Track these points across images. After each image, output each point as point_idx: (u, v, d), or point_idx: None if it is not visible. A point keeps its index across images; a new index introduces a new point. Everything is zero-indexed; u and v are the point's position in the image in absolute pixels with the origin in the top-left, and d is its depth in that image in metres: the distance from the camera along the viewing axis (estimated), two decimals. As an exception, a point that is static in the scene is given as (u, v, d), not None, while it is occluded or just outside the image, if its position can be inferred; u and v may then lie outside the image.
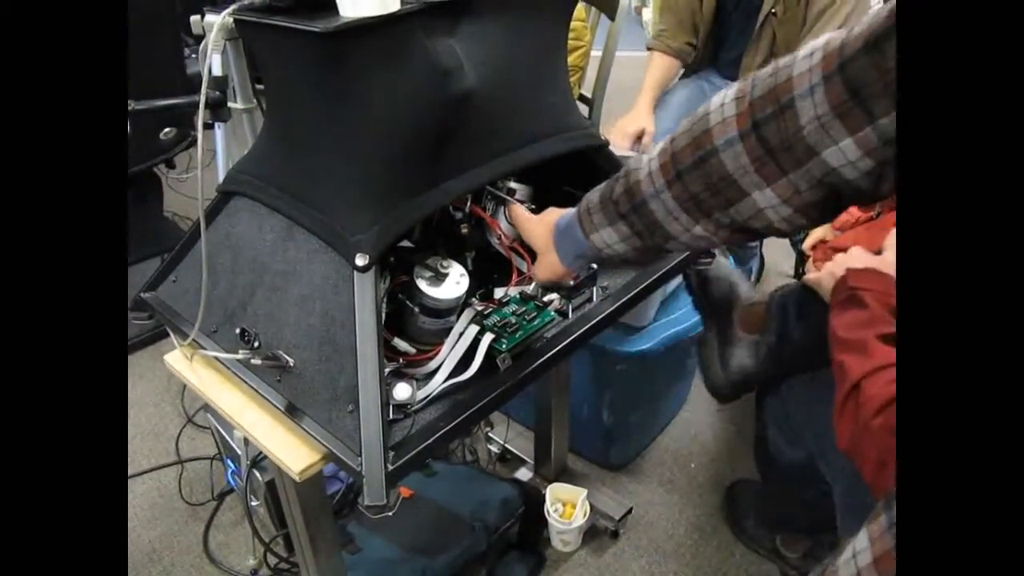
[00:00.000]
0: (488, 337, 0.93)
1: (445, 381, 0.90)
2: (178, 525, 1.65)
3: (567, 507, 1.54)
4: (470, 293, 1.00)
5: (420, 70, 0.79)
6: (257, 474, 1.44)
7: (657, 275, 1.08)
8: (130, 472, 1.77)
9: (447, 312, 0.95)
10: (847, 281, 0.93)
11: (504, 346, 0.93)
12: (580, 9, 2.23)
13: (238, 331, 0.94)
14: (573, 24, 2.22)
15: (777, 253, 2.37)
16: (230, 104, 1.28)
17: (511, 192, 1.10)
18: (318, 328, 0.87)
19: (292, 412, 0.88)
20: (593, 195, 0.81)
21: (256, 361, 0.88)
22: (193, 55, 1.84)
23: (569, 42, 2.22)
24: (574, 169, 1.07)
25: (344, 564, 1.18)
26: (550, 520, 1.52)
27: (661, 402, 1.74)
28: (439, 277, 0.95)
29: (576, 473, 1.70)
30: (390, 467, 0.78)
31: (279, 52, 0.84)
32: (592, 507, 1.56)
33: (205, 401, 0.98)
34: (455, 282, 0.95)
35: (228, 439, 1.56)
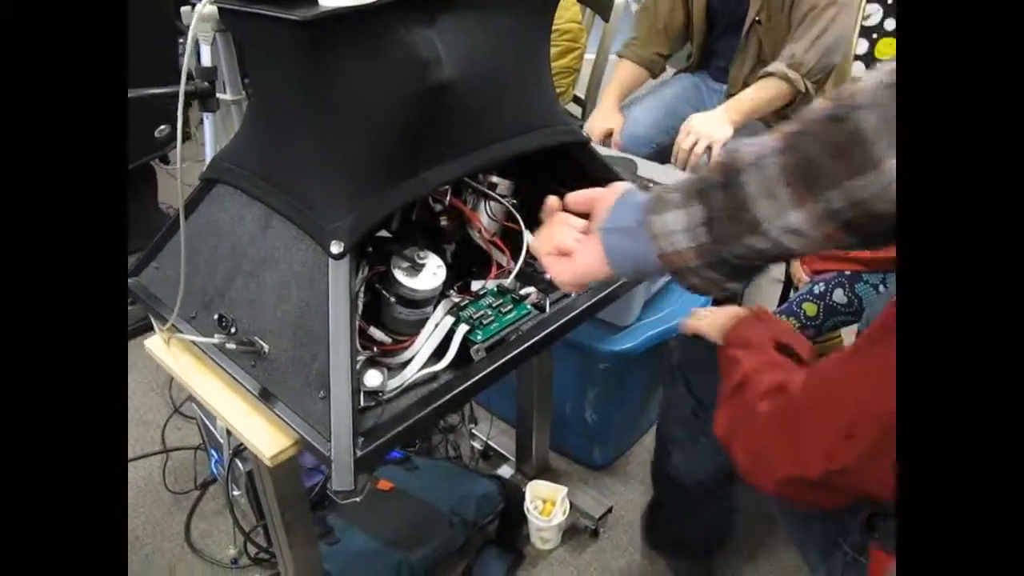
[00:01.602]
0: (463, 328, 0.94)
1: (419, 371, 0.91)
2: (161, 513, 1.66)
3: (547, 504, 1.55)
4: (448, 285, 1.01)
5: (398, 60, 0.80)
6: (239, 464, 1.45)
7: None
8: (115, 460, 1.78)
9: (423, 303, 0.96)
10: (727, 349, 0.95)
11: (479, 337, 0.94)
12: (576, 11, 2.24)
13: (216, 317, 0.94)
14: (569, 26, 2.24)
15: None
16: (219, 95, 1.29)
17: (492, 186, 1.11)
18: (293, 315, 0.87)
19: (266, 397, 0.88)
20: (682, 177, 0.70)
21: (231, 345, 0.89)
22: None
23: (565, 44, 2.25)
24: (558, 167, 1.09)
25: (320, 554, 1.19)
26: (529, 517, 1.53)
27: (645, 402, 1.75)
28: (416, 268, 0.95)
29: (558, 471, 1.70)
30: (359, 453, 0.79)
31: (260, 40, 0.85)
32: (573, 505, 1.57)
33: (188, 390, 0.99)
34: (432, 273, 0.96)
35: (212, 429, 1.57)
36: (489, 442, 1.76)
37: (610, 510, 1.59)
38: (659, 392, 1.83)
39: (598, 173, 1.08)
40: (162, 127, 2.03)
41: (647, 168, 1.65)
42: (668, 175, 1.60)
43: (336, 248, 0.83)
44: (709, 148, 1.70)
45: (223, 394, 0.93)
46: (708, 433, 1.06)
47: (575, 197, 0.82)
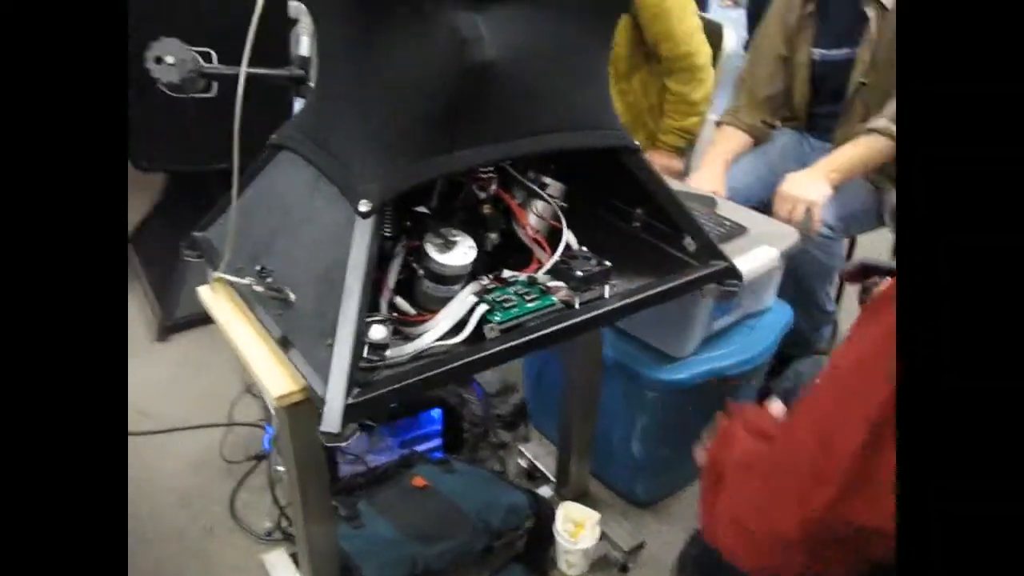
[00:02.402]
0: (483, 308, 0.96)
1: (433, 341, 0.93)
2: (213, 480, 1.74)
3: (578, 528, 1.52)
4: (484, 271, 1.03)
5: (439, 35, 0.84)
6: (285, 438, 1.50)
7: (673, 284, 1.08)
8: (184, 426, 1.88)
9: (451, 280, 0.98)
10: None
11: (496, 318, 0.95)
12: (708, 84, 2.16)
13: (257, 268, 1.00)
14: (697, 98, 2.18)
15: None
16: (310, 83, 1.38)
17: (543, 186, 1.13)
18: (321, 269, 0.92)
19: (284, 344, 0.93)
20: None
21: (259, 288, 0.94)
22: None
23: (688, 107, 2.19)
24: (609, 175, 1.10)
25: (334, 529, 1.22)
26: (557, 538, 1.50)
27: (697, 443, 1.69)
28: (448, 244, 0.98)
29: (598, 499, 1.67)
30: (351, 400, 0.81)
31: (323, 12, 0.91)
32: (604, 535, 1.54)
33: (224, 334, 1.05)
34: (463, 252, 0.99)
35: (271, 407, 1.63)
36: (535, 461, 1.75)
37: (642, 545, 1.54)
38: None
39: (646, 180, 1.08)
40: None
41: (727, 207, 1.63)
42: (749, 217, 1.57)
43: (364, 207, 0.87)
44: (808, 210, 1.66)
45: (253, 339, 0.99)
46: None
47: None
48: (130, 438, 1.85)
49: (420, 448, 1.69)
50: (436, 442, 1.74)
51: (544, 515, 1.52)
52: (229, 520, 1.63)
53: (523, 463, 1.78)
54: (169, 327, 2.23)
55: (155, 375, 2.09)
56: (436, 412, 1.73)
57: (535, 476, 1.76)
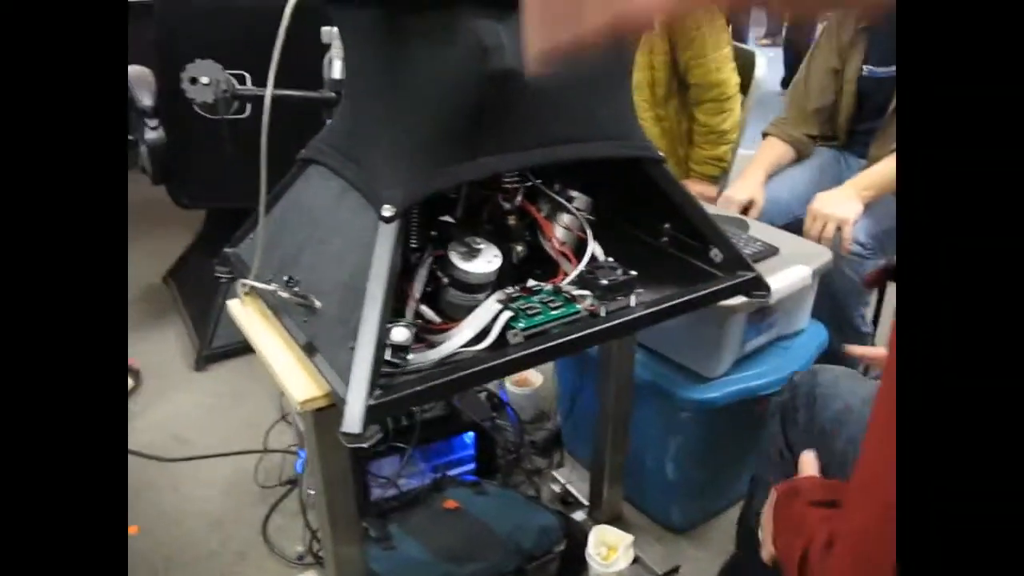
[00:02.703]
0: (507, 315, 0.96)
1: (457, 348, 0.93)
2: (247, 504, 1.74)
3: (611, 551, 1.49)
4: (510, 282, 1.04)
5: (460, 44, 0.86)
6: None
7: (699, 294, 1.07)
8: (219, 452, 1.90)
9: (476, 288, 0.99)
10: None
11: (520, 325, 0.95)
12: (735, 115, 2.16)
13: (285, 279, 1.02)
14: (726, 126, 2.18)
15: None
16: (342, 104, 1.41)
17: (570, 199, 1.14)
18: (346, 277, 0.93)
19: (309, 351, 0.94)
20: None
21: (284, 295, 0.95)
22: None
23: (718, 137, 2.20)
24: (633, 187, 1.10)
25: (362, 545, 1.22)
26: (590, 562, 1.48)
27: (734, 467, 1.66)
28: (472, 253, 0.99)
29: (631, 523, 1.64)
30: (372, 401, 0.82)
31: (348, 25, 0.94)
32: (638, 559, 1.51)
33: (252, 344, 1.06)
34: (487, 260, 0.99)
35: (297, 419, 1.64)
36: (567, 486, 1.73)
37: (677, 569, 1.51)
38: (752, 458, 1.74)
39: (672, 192, 1.08)
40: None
41: (759, 228, 1.62)
42: (781, 238, 1.56)
43: (387, 212, 0.88)
44: (839, 228, 1.65)
45: (278, 347, 1.00)
46: (790, 476, 1.02)
47: None
48: (165, 464, 1.87)
49: (452, 473, 1.68)
50: (469, 467, 1.73)
51: (576, 538, 1.49)
52: (262, 544, 1.64)
53: (556, 488, 1.76)
54: (207, 357, 2.27)
55: (193, 404, 2.12)
56: (469, 436, 1.72)
57: (568, 501, 1.74)
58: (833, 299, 1.75)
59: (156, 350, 2.33)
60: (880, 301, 2.10)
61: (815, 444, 1.06)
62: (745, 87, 2.17)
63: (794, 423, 1.15)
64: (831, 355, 1.68)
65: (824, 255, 1.52)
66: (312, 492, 1.58)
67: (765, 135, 2.05)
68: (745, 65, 2.17)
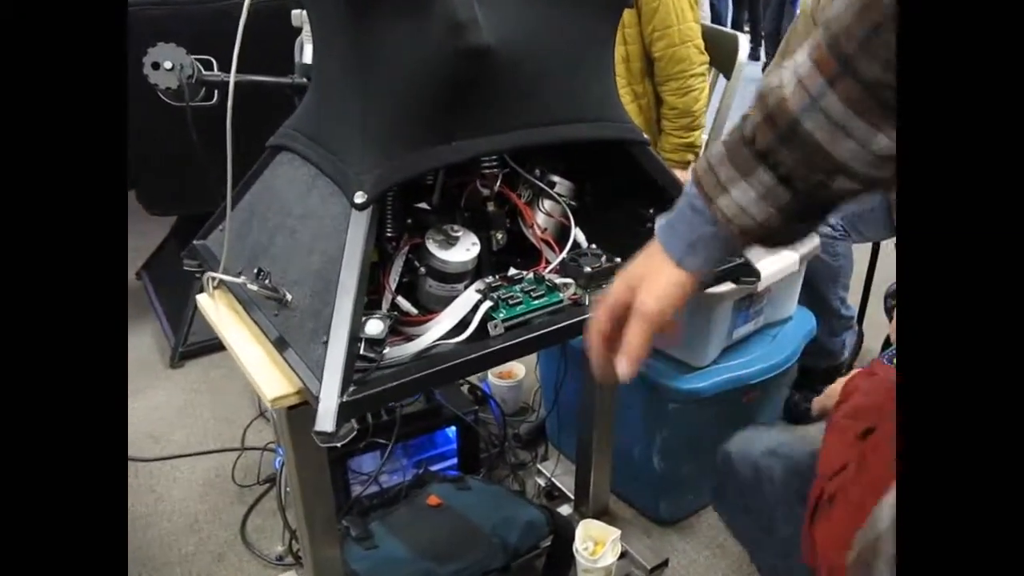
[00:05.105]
0: (487, 305, 0.92)
1: (436, 340, 0.89)
2: (224, 503, 1.70)
3: (598, 546, 1.46)
4: (490, 271, 1.00)
5: (433, 19, 0.81)
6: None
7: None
8: (195, 451, 1.85)
9: (455, 278, 0.95)
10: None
11: (501, 315, 0.91)
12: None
13: (256, 271, 0.97)
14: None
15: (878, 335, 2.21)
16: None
17: (551, 184, 1.10)
18: (316, 267, 0.88)
19: (280, 345, 0.89)
20: (715, 148, 0.64)
21: (252, 287, 0.90)
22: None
23: (690, 120, 2.16)
24: (623, 177, 1.06)
25: (343, 550, 1.18)
26: (577, 556, 1.44)
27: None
28: (449, 241, 0.95)
29: (619, 517, 1.61)
30: (345, 398, 0.78)
31: (316, 2, 0.89)
32: (626, 553, 1.48)
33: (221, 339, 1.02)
34: (466, 249, 0.95)
35: (270, 414, 1.60)
36: (553, 480, 1.70)
37: (666, 563, 1.48)
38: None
39: (657, 175, 1.05)
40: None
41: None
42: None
43: (359, 198, 0.83)
44: None
45: (249, 343, 0.95)
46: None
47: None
48: (140, 464, 1.82)
49: (435, 468, 1.64)
50: (452, 461, 1.69)
51: (563, 533, 1.46)
52: (239, 545, 1.59)
53: (542, 482, 1.73)
54: (183, 353, 2.21)
55: (168, 401, 2.07)
56: (451, 431, 1.69)
57: (554, 495, 1.70)
58: (808, 284, 1.73)
59: (131, 347, 2.27)
60: (868, 285, 2.08)
61: None
62: (728, 71, 2.13)
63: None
64: (814, 342, 1.66)
65: (811, 241, 1.49)
66: (290, 490, 1.54)
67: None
68: (727, 47, 2.12)
